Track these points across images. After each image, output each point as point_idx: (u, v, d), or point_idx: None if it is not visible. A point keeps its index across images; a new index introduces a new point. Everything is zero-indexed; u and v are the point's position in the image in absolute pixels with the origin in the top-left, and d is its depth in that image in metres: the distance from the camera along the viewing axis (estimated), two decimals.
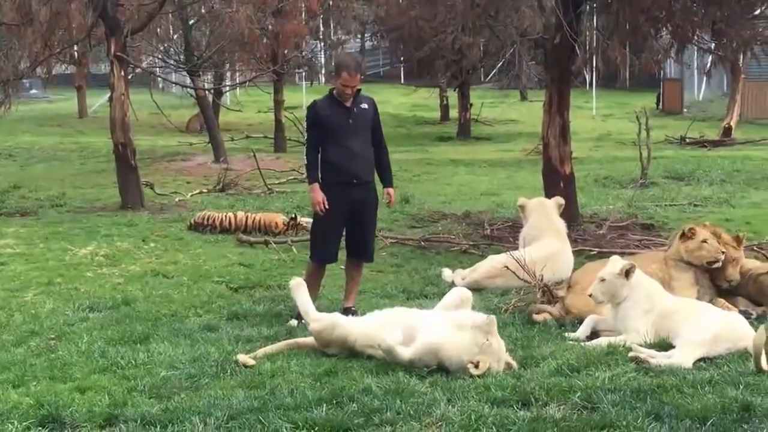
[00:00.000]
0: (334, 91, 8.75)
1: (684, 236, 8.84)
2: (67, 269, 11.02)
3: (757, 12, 13.94)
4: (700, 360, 7.00)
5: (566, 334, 7.91)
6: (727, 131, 26.51)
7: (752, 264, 9.10)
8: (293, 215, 13.44)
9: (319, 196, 8.63)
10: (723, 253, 8.66)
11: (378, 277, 10.54)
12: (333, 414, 6.06)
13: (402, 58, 40.03)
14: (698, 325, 7.29)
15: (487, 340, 6.85)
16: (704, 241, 8.72)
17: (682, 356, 6.98)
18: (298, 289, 7.88)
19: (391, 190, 9.12)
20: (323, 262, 9.02)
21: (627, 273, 7.74)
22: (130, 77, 17.16)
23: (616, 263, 7.90)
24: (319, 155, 8.74)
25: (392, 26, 30.12)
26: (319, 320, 7.61)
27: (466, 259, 11.41)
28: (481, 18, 14.84)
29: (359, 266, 9.12)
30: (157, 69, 25.71)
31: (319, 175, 8.71)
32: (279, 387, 6.63)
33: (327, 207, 8.61)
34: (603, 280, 7.84)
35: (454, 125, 31.35)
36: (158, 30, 24.28)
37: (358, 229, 8.90)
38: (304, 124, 8.99)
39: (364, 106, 8.80)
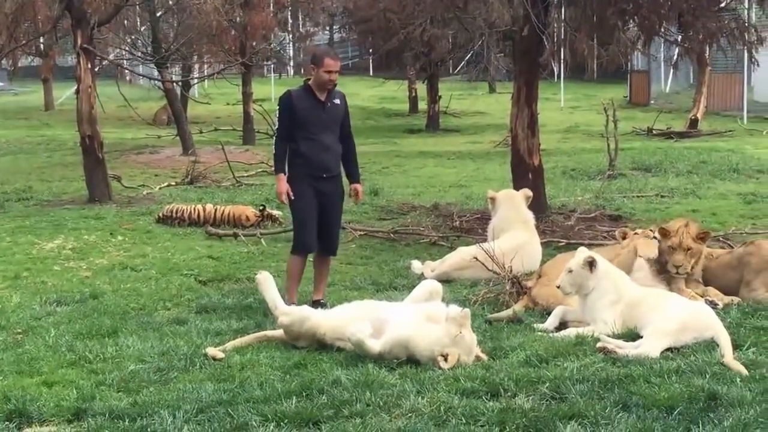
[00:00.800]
0: (310, 82, 8.73)
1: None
2: (34, 263, 10.94)
3: (723, 4, 14.06)
4: (667, 350, 7.06)
5: (535, 325, 7.95)
6: (694, 123, 26.66)
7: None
8: (262, 207, 13.41)
9: (284, 186, 8.67)
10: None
11: (347, 270, 10.54)
12: (302, 406, 6.07)
13: (370, 51, 39.96)
14: (665, 316, 7.35)
15: (461, 332, 6.87)
16: None
17: (650, 346, 7.03)
18: (265, 283, 7.86)
19: (359, 186, 9.15)
20: (307, 252, 8.99)
21: (590, 265, 7.79)
22: (96, 69, 17.01)
23: (582, 254, 7.95)
24: (288, 147, 8.71)
25: (361, 18, 30.07)
26: (288, 314, 7.60)
27: (435, 251, 11.43)
28: (450, 10, 14.84)
29: (326, 260, 9.14)
30: (125, 61, 25.54)
31: (287, 167, 8.71)
32: (248, 380, 6.62)
33: (292, 197, 8.65)
34: (570, 271, 7.88)
35: (422, 117, 31.36)
36: (125, 22, 24.13)
37: (324, 222, 8.89)
38: (277, 113, 8.88)
39: (337, 101, 8.82)
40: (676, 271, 8.66)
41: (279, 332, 7.67)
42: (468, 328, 6.95)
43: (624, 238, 9.12)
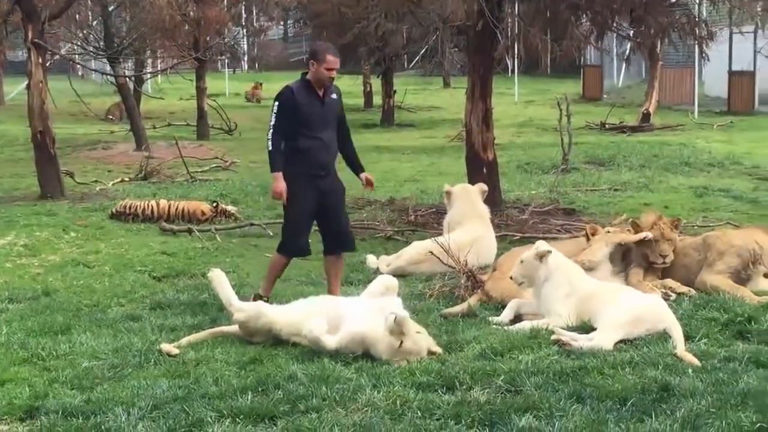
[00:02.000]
0: (308, 77, 8.50)
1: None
2: None
3: (674, 0, 14.19)
4: (620, 342, 7.12)
5: (490, 318, 7.99)
6: (646, 117, 26.90)
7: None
8: (215, 203, 13.35)
9: (282, 185, 8.39)
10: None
11: (303, 264, 10.48)
12: (258, 402, 6.06)
13: None
14: (618, 308, 7.42)
15: (401, 343, 6.83)
16: None
17: (603, 338, 7.09)
18: (218, 279, 7.81)
19: (366, 174, 8.98)
20: (297, 255, 8.85)
21: (541, 257, 7.85)
22: (48, 64, 16.82)
23: (537, 246, 8.01)
24: (284, 144, 8.42)
25: (315, 13, 30.00)
26: (242, 310, 7.58)
27: (390, 246, 11.45)
28: (404, 5, 14.86)
29: (340, 258, 8.97)
30: (77, 56, 25.26)
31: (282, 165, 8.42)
32: (204, 376, 6.60)
33: (287, 197, 8.42)
34: (522, 261, 7.95)
35: (377, 112, 31.35)
36: (77, 16, 23.86)
37: (333, 220, 8.74)
38: (275, 109, 8.42)
39: (334, 96, 8.63)
40: (662, 260, 8.93)
41: (234, 328, 7.64)
42: (409, 332, 6.90)
43: (594, 234, 9.19)
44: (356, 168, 9.01)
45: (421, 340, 6.98)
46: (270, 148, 8.46)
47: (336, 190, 8.75)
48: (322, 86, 8.51)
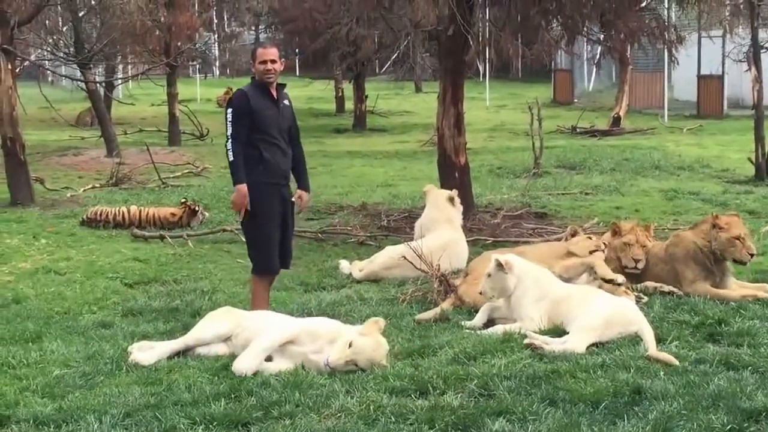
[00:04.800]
0: (256, 78, 8.20)
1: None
2: None
3: (644, 4, 14.29)
4: (592, 345, 7.16)
5: (463, 322, 8.00)
6: (617, 121, 27.06)
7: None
8: (184, 200, 13.33)
9: (245, 197, 7.95)
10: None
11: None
12: (231, 408, 6.04)
13: (297, 50, 39.89)
14: (591, 311, 7.45)
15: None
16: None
17: (576, 341, 7.12)
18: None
19: (305, 193, 8.48)
20: (272, 273, 8.40)
21: (506, 267, 7.86)
22: (17, 70, 16.74)
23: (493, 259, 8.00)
24: (244, 152, 8.00)
25: (287, 18, 29.97)
26: None
27: (363, 251, 11.45)
28: (376, 10, 14.87)
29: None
30: (46, 62, 25.13)
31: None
32: (176, 382, 6.57)
33: (252, 213, 8.01)
34: (489, 275, 7.95)
35: (349, 117, 31.36)
36: (47, 22, 23.74)
37: (283, 234, 8.32)
38: (229, 116, 8.00)
39: (287, 102, 8.37)
40: (634, 265, 9.00)
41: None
42: (357, 350, 6.75)
43: (574, 235, 9.29)
44: (301, 180, 8.50)
45: (377, 352, 6.83)
46: (231, 159, 8.01)
47: (289, 200, 8.35)
48: (270, 84, 8.14)
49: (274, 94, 8.22)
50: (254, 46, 9.05)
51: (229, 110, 8.08)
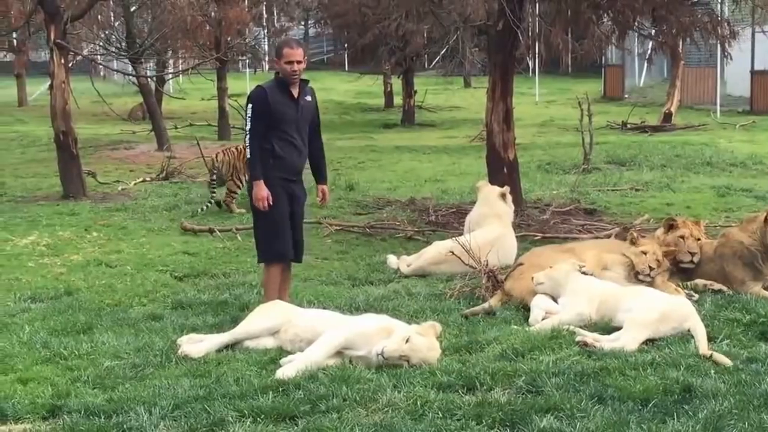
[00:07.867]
0: (280, 75, 8.28)
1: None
2: (8, 259, 10.88)
3: None
4: (642, 342, 7.09)
5: (527, 327, 7.69)
6: (668, 117, 26.80)
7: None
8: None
9: (265, 192, 8.07)
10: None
11: (323, 265, 10.53)
12: (279, 402, 6.06)
13: (346, 45, 39.95)
14: (644, 307, 7.37)
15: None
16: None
17: (629, 338, 7.05)
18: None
19: (325, 187, 8.64)
20: (283, 259, 8.35)
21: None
22: (70, 65, 16.91)
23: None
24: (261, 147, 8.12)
25: (336, 13, 29.99)
26: None
27: (411, 246, 11.43)
28: (425, 4, 14.84)
29: (290, 266, 8.59)
30: (99, 56, 25.39)
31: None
32: (225, 375, 6.61)
33: (271, 203, 8.12)
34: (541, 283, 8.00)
35: (398, 112, 31.37)
36: (99, 17, 23.95)
37: (293, 227, 8.38)
38: (249, 112, 8.16)
39: (309, 98, 8.36)
40: (690, 258, 8.88)
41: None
42: (413, 353, 6.76)
43: (633, 243, 9.05)
44: (319, 175, 8.65)
45: (427, 351, 6.85)
46: (249, 156, 8.18)
47: (302, 196, 8.45)
48: (293, 83, 8.19)
49: (295, 92, 8.24)
50: (280, 42, 8.95)
51: (249, 105, 8.20)
